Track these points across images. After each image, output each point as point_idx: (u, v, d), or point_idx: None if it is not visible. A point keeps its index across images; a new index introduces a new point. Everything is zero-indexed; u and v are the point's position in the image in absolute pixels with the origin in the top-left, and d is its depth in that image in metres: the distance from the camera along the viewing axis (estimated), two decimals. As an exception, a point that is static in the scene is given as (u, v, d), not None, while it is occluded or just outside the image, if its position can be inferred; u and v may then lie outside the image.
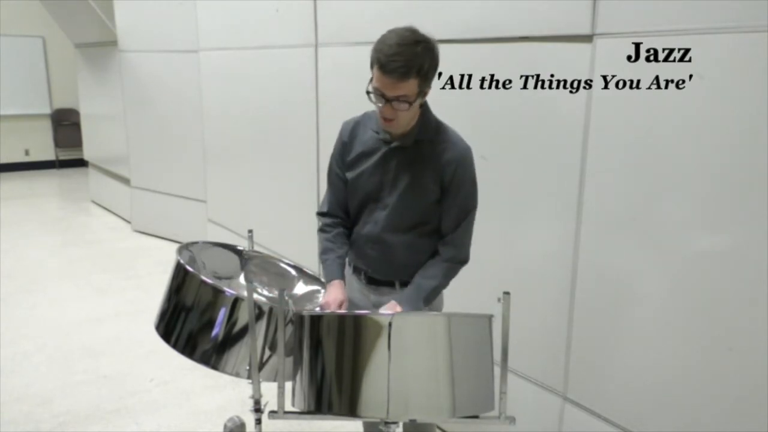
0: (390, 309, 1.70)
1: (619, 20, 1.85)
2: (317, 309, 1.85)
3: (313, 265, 3.63)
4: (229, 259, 2.22)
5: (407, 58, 1.55)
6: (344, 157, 1.84)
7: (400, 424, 1.96)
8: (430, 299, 1.79)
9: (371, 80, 1.63)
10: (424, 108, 1.76)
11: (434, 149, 1.73)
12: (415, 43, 1.57)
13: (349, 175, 1.83)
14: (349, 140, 1.83)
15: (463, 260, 1.83)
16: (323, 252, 1.90)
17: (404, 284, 1.84)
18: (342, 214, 1.91)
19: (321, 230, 1.94)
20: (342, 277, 1.85)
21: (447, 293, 2.58)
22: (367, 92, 1.64)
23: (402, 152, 1.75)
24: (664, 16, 1.73)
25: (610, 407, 2.05)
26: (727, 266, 1.68)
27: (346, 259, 1.91)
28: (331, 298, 1.78)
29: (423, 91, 1.64)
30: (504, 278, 2.34)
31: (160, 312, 1.87)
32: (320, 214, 1.96)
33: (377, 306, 1.88)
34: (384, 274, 1.87)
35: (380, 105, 1.64)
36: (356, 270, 1.92)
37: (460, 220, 1.78)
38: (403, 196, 1.75)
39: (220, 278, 2.11)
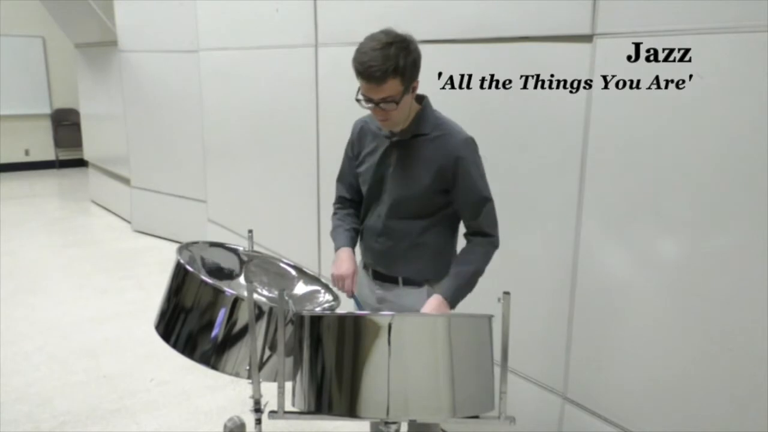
0: (433, 304, 1.73)
1: (619, 20, 1.85)
2: (333, 272, 1.87)
3: (313, 265, 3.63)
4: (229, 259, 2.22)
5: (381, 62, 1.62)
6: (354, 154, 1.95)
7: (405, 425, 1.96)
8: (471, 284, 1.79)
9: (359, 89, 1.69)
10: (424, 104, 1.81)
11: (432, 143, 1.78)
12: (387, 45, 1.63)
13: (359, 170, 1.93)
14: (358, 138, 1.94)
15: (495, 244, 1.83)
16: (332, 230, 1.99)
17: (406, 281, 1.88)
18: (350, 200, 2.01)
19: (333, 214, 2.03)
20: (351, 246, 1.91)
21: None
22: (357, 100, 1.71)
23: (401, 147, 1.81)
24: (664, 16, 1.73)
25: (610, 407, 2.05)
26: (726, 266, 1.68)
27: (357, 247, 1.97)
28: (343, 269, 1.84)
29: (408, 87, 1.70)
30: (504, 278, 2.34)
31: (160, 312, 1.87)
32: (334, 204, 2.05)
33: (381, 301, 1.93)
34: (387, 268, 1.91)
35: (371, 108, 1.71)
36: (365, 265, 1.99)
37: (480, 207, 1.79)
38: (401, 189, 1.81)
39: (220, 278, 2.11)
